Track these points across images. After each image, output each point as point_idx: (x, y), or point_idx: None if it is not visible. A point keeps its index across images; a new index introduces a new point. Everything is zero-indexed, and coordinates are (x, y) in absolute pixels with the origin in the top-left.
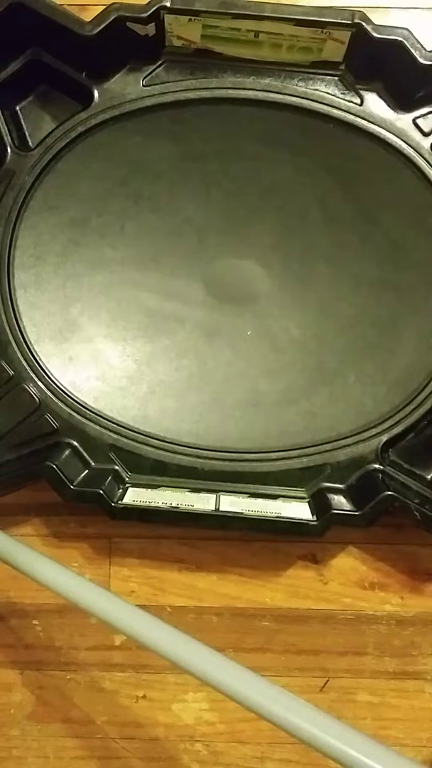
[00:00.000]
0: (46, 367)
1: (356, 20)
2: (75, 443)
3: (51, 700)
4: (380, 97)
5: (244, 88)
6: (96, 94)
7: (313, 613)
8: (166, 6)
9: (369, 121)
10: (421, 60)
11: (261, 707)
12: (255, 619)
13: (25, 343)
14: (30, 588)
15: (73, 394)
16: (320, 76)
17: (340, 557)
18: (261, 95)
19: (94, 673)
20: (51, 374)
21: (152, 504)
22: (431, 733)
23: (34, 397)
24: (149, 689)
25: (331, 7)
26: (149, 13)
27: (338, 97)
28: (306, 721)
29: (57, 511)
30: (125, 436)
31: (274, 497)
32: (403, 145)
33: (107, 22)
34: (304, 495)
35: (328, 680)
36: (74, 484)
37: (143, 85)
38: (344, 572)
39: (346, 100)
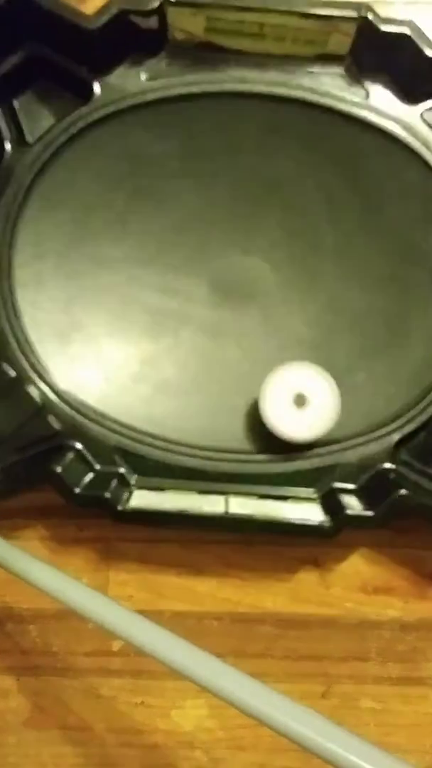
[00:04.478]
0: (48, 368)
1: (363, 13)
2: (79, 446)
3: (48, 706)
4: (386, 90)
5: (248, 82)
6: (97, 88)
7: (314, 618)
8: None
9: (375, 115)
10: (428, 52)
11: (261, 714)
12: (256, 624)
13: (27, 343)
14: (26, 592)
15: (76, 396)
16: (325, 70)
17: (342, 561)
18: (265, 89)
19: (92, 679)
20: (53, 375)
21: (159, 507)
22: None
23: (35, 399)
24: (148, 695)
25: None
26: (153, 5)
27: (344, 91)
28: (307, 728)
29: (54, 514)
30: (130, 438)
31: (285, 498)
32: (410, 139)
33: (109, 14)
34: (315, 496)
35: (330, 686)
36: (79, 487)
37: (145, 80)
38: (347, 576)
39: (351, 94)
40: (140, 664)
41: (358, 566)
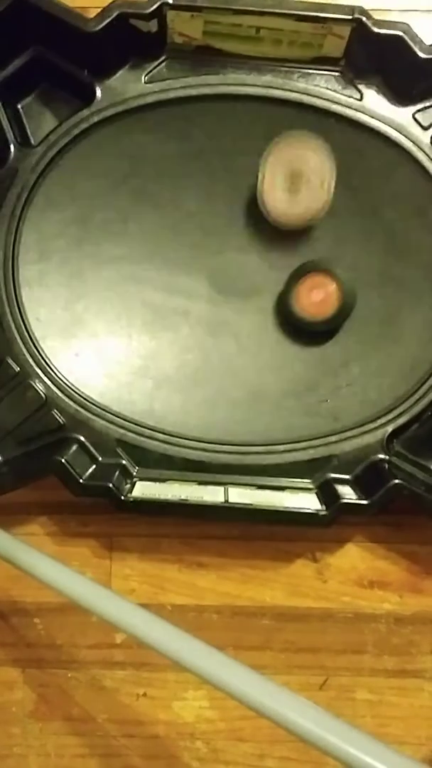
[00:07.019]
0: (52, 364)
1: (356, 15)
2: (82, 438)
3: (52, 698)
4: (380, 92)
5: (245, 85)
6: (98, 91)
7: (312, 612)
8: (168, 2)
9: (369, 116)
10: (420, 54)
11: (261, 705)
12: (255, 618)
13: (31, 339)
14: (31, 586)
15: (79, 390)
16: (320, 72)
17: (339, 556)
18: (262, 91)
19: (95, 671)
20: (57, 370)
21: (161, 497)
22: (430, 731)
23: (40, 394)
24: (150, 687)
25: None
26: (152, 9)
27: (338, 93)
28: (305, 719)
29: (58, 509)
30: (132, 431)
31: (282, 489)
32: (403, 140)
33: (110, 18)
34: (311, 486)
35: (327, 678)
36: (83, 478)
37: (145, 82)
38: (343, 571)
39: (345, 96)
40: (142, 657)
41: (354, 561)
